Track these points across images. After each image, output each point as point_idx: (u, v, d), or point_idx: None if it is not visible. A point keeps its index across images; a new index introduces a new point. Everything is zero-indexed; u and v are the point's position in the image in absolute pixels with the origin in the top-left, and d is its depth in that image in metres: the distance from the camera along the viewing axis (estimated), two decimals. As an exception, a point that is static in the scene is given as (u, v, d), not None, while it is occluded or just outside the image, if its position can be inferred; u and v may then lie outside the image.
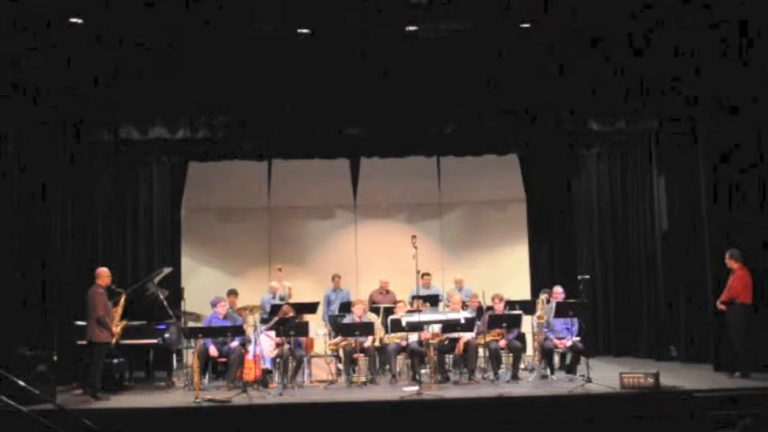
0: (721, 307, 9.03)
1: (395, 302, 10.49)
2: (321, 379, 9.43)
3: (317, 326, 10.36)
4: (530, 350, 10.13)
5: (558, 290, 9.92)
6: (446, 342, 9.27)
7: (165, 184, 12.18)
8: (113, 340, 8.63)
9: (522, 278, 12.39)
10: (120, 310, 8.86)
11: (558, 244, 12.62)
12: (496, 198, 12.73)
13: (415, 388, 8.31)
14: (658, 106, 10.25)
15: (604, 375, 8.72)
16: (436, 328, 9.17)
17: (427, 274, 10.94)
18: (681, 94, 9.97)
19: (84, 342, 8.93)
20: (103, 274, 8.67)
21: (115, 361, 9.14)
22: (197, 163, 12.20)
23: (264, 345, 9.33)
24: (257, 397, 8.29)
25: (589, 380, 8.31)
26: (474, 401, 8.01)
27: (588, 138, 11.46)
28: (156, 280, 9.98)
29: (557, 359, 9.61)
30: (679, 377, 8.82)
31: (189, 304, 10.31)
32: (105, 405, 8.11)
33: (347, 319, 9.75)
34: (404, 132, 10.75)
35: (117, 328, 8.69)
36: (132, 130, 10.23)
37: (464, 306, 10.02)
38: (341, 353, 9.41)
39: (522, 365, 9.47)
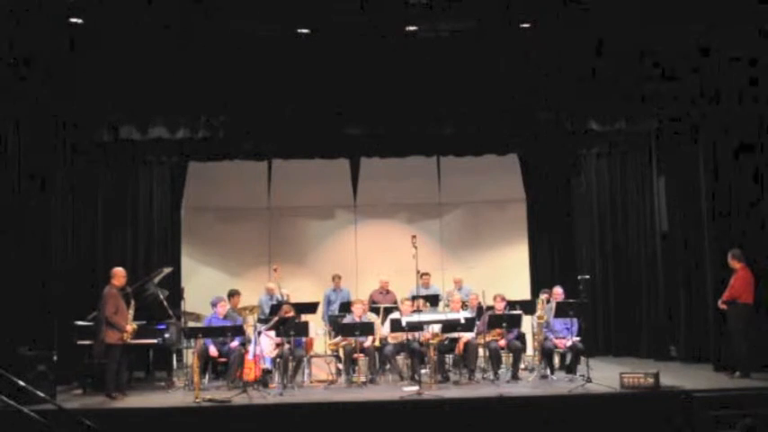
0: (722, 306, 9.03)
1: (395, 302, 10.49)
2: (321, 379, 9.43)
3: (316, 326, 10.36)
4: (530, 350, 10.13)
5: (558, 290, 9.92)
6: (446, 342, 9.27)
7: (165, 184, 12.18)
8: (126, 338, 8.59)
9: (522, 278, 12.40)
10: (131, 310, 8.83)
11: (557, 244, 12.62)
12: (496, 198, 12.75)
13: (415, 388, 8.31)
14: (658, 106, 10.25)
15: (604, 375, 8.72)
16: (436, 328, 9.18)
17: (426, 274, 10.93)
18: (681, 94, 9.96)
19: (85, 342, 8.95)
20: (118, 274, 8.71)
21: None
22: (197, 163, 12.20)
23: (264, 345, 9.33)
24: (257, 397, 8.29)
25: (589, 380, 8.31)
26: (474, 401, 8.01)
27: (588, 138, 11.45)
28: (156, 280, 9.99)
29: (557, 359, 9.61)
30: (679, 377, 8.82)
31: (189, 304, 10.31)
32: (105, 405, 8.11)
33: (347, 319, 9.75)
34: (404, 132, 10.73)
35: (129, 327, 8.65)
36: (132, 130, 10.21)
37: (464, 306, 10.02)
38: (341, 353, 9.41)
39: (522, 365, 9.47)
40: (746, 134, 9.39)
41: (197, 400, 8.05)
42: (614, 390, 8.04)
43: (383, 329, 9.53)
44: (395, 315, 9.57)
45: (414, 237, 9.06)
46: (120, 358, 8.57)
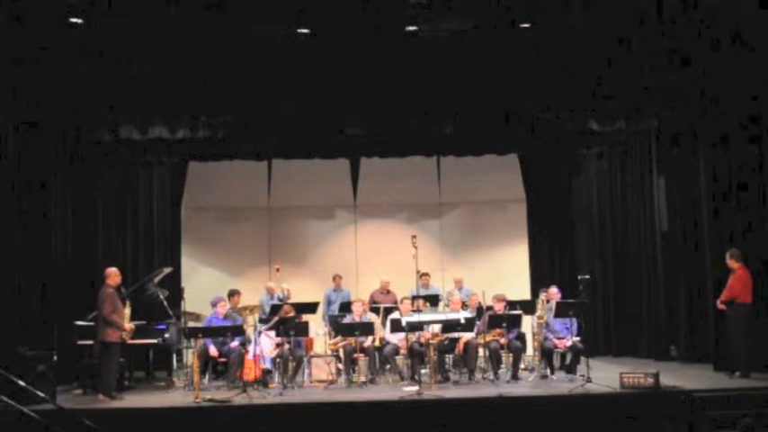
0: (721, 307, 9.03)
1: (395, 302, 10.48)
2: (321, 379, 9.43)
3: (316, 326, 10.36)
4: (530, 350, 10.13)
5: (554, 290, 9.92)
6: (446, 342, 9.27)
7: (165, 184, 12.18)
8: (125, 336, 8.61)
9: (522, 278, 12.40)
10: (127, 310, 8.85)
11: (557, 244, 12.62)
12: (496, 198, 12.75)
13: (415, 388, 8.31)
14: (658, 106, 10.25)
15: (604, 375, 8.72)
16: (436, 328, 9.18)
17: (426, 275, 10.92)
18: (680, 95, 9.96)
19: (85, 342, 8.96)
20: (112, 273, 8.69)
21: (115, 361, 9.15)
22: (197, 163, 12.20)
23: (264, 345, 9.33)
24: (257, 397, 8.29)
25: (589, 380, 8.31)
26: (474, 401, 8.01)
27: (588, 138, 11.45)
28: (156, 280, 10.00)
29: (557, 359, 9.60)
30: (679, 377, 8.82)
31: (189, 304, 10.30)
32: (105, 405, 8.11)
33: (347, 319, 9.75)
34: (404, 132, 10.73)
35: (128, 326, 8.68)
36: (132, 130, 10.21)
37: (464, 306, 10.02)
38: (341, 353, 9.41)
39: (522, 365, 9.47)
40: (746, 133, 9.38)
41: (197, 400, 8.05)
42: (614, 390, 8.04)
43: (385, 333, 9.51)
44: (395, 315, 9.58)
45: (414, 237, 9.04)
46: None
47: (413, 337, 9.07)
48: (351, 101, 10.16)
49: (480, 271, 11.99)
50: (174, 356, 10.00)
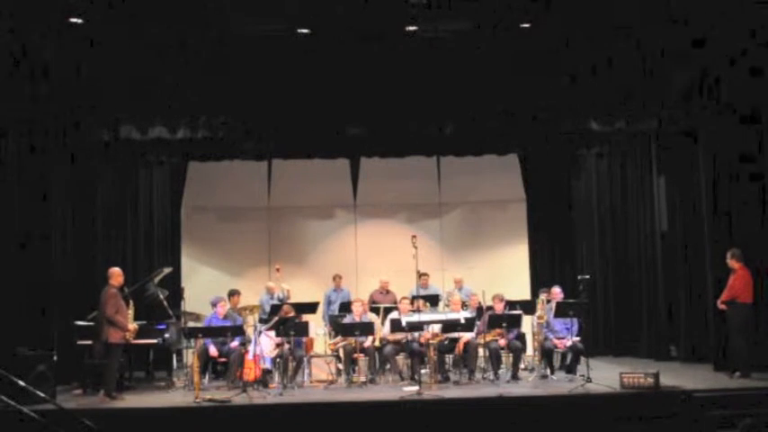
0: (722, 306, 9.03)
1: (395, 302, 10.48)
2: (321, 379, 9.43)
3: (316, 326, 10.36)
4: (530, 350, 10.13)
5: (557, 290, 9.92)
6: (446, 342, 9.27)
7: (165, 184, 12.19)
8: (128, 336, 8.61)
9: (522, 278, 12.39)
10: (131, 310, 8.85)
11: (558, 244, 12.62)
12: (496, 198, 12.75)
13: (415, 388, 8.31)
14: (658, 106, 10.25)
15: (604, 375, 8.72)
16: (436, 328, 9.18)
17: (425, 275, 10.89)
18: (681, 95, 9.96)
19: (85, 342, 8.96)
20: (115, 273, 8.68)
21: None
22: (197, 163, 12.21)
23: (264, 345, 9.33)
24: (257, 397, 8.30)
25: (589, 380, 8.31)
26: (474, 401, 8.01)
27: (588, 138, 11.46)
28: (156, 280, 10.00)
29: (557, 359, 9.61)
30: (679, 377, 8.82)
31: (189, 304, 10.31)
32: (105, 405, 8.11)
33: (347, 319, 9.75)
34: (404, 132, 10.73)
35: (131, 326, 8.68)
36: (132, 130, 10.21)
37: (464, 306, 10.03)
38: (341, 353, 9.41)
39: (522, 365, 9.47)
40: (746, 133, 9.38)
41: (197, 400, 8.05)
42: (614, 390, 8.05)
43: (384, 330, 9.53)
44: (394, 315, 9.58)
45: (414, 237, 9.04)
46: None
47: (410, 335, 9.08)
48: (351, 101, 10.15)
49: (480, 271, 11.98)
50: (174, 356, 10.01)
